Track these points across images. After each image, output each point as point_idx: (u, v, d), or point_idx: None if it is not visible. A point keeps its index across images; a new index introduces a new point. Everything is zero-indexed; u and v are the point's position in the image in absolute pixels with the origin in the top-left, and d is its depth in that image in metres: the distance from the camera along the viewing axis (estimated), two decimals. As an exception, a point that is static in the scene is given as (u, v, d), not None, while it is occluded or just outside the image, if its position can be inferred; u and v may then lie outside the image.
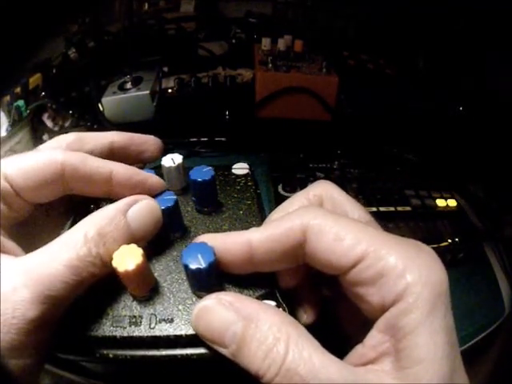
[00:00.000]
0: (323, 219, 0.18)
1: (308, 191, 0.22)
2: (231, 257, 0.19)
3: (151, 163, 0.26)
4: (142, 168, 0.26)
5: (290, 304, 0.21)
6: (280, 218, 0.20)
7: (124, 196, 0.21)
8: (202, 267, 0.18)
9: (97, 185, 0.21)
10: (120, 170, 0.21)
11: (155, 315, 0.20)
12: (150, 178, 0.22)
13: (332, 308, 0.23)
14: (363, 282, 0.17)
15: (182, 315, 0.20)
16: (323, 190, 0.22)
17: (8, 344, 0.16)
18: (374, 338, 0.17)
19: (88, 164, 0.20)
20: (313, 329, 0.18)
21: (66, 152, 0.20)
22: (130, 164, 0.25)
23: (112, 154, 0.24)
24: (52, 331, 0.18)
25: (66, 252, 0.18)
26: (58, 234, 0.24)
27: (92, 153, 0.23)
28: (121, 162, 0.24)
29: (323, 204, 0.22)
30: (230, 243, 0.19)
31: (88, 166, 0.20)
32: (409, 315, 0.16)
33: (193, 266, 0.18)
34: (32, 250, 0.20)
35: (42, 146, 0.23)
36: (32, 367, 0.17)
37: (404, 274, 0.16)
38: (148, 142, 0.26)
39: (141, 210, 0.21)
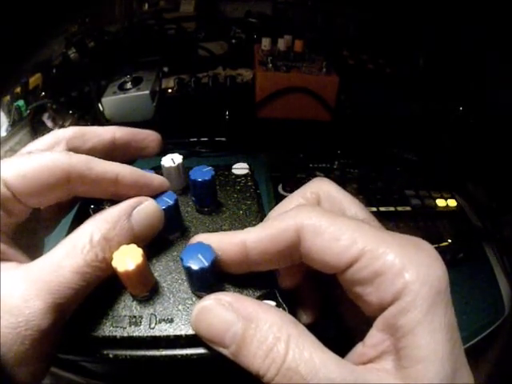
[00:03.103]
0: (317, 219, 0.18)
1: (305, 189, 0.22)
2: (226, 257, 0.19)
3: (151, 159, 0.26)
4: (134, 162, 0.25)
5: (290, 304, 0.21)
6: (275, 218, 0.20)
7: (129, 197, 0.21)
8: (205, 266, 0.18)
9: (103, 188, 0.20)
10: (126, 173, 0.20)
11: (155, 315, 0.20)
12: (156, 179, 0.22)
13: (334, 306, 0.23)
14: (361, 282, 0.17)
15: (181, 315, 0.20)
16: (320, 187, 0.22)
17: (22, 354, 0.16)
18: (374, 337, 0.17)
19: (94, 169, 0.19)
20: (314, 327, 0.18)
21: (70, 156, 0.19)
22: (130, 159, 0.25)
23: (113, 149, 0.24)
24: (60, 336, 0.18)
25: (72, 258, 0.17)
26: (50, 233, 0.24)
27: (93, 150, 0.23)
28: (121, 157, 0.24)
29: (320, 202, 0.21)
30: (225, 243, 0.19)
31: (94, 171, 0.19)
32: (407, 314, 0.16)
33: (195, 267, 0.18)
34: (26, 251, 0.20)
35: (39, 142, 0.22)
36: (40, 372, 0.17)
37: (402, 272, 0.16)
38: (148, 137, 0.25)
39: (144, 212, 0.20)
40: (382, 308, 0.17)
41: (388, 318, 0.16)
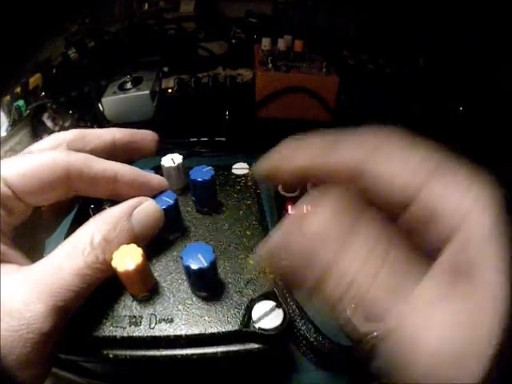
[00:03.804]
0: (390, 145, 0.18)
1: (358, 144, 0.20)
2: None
3: (151, 159, 0.26)
4: (132, 162, 0.25)
5: (290, 304, 0.21)
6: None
7: (128, 196, 0.21)
8: (204, 266, 0.18)
9: (102, 187, 0.20)
10: (125, 172, 0.21)
11: (155, 315, 0.20)
12: (154, 178, 0.22)
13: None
14: (420, 219, 0.16)
15: (181, 315, 0.20)
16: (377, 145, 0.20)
17: (24, 356, 0.16)
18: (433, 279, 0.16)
19: (93, 167, 0.20)
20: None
21: (69, 154, 0.19)
22: (129, 159, 0.25)
23: (114, 151, 0.24)
24: (61, 338, 0.18)
25: (73, 260, 0.17)
26: (50, 235, 0.25)
27: (94, 151, 0.23)
28: (121, 158, 0.24)
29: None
30: None
31: (94, 170, 0.20)
32: (468, 251, 0.15)
33: (195, 267, 0.18)
34: (26, 253, 0.20)
35: (39, 144, 0.22)
36: (42, 374, 0.17)
37: (460, 207, 0.15)
38: (147, 137, 0.26)
39: (144, 212, 0.20)
40: (442, 246, 0.16)
41: (449, 257, 0.15)
